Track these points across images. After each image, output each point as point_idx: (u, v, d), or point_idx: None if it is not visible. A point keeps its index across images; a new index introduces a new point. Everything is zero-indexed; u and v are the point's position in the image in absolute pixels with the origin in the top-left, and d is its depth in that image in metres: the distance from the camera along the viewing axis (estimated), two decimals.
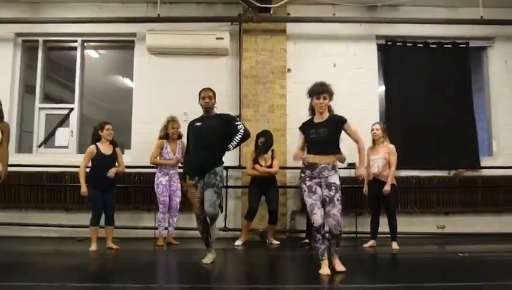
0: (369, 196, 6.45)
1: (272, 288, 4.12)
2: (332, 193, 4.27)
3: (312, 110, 4.53)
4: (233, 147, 4.91)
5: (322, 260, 4.33)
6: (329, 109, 4.59)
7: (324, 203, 4.31)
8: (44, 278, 4.15)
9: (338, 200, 4.28)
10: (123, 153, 7.64)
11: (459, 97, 7.97)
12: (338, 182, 4.33)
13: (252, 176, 6.71)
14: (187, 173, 5.03)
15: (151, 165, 6.69)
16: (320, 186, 4.33)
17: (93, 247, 5.93)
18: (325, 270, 4.28)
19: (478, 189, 7.60)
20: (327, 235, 4.37)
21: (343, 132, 4.49)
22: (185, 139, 5.82)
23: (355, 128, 4.53)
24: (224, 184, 7.11)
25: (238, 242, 6.54)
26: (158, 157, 6.54)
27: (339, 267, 4.38)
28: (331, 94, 4.41)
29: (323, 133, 4.35)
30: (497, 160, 7.90)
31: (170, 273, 4.89)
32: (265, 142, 6.60)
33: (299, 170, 4.56)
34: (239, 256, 6.12)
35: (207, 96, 4.99)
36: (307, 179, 4.38)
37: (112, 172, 6.02)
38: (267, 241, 6.72)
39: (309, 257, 5.02)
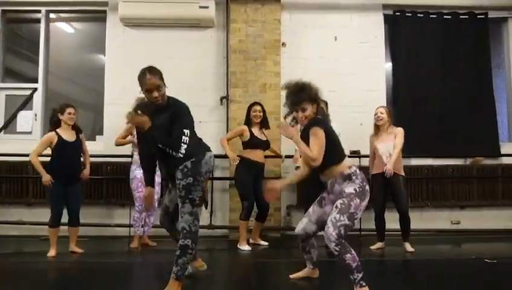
0: (375, 192, 5.42)
1: None
2: (338, 202, 3.29)
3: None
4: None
5: (307, 265, 3.86)
6: (319, 110, 3.58)
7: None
8: None
9: (337, 207, 3.25)
10: (94, 139, 6.88)
11: (476, 75, 7.16)
12: (349, 190, 3.28)
13: (243, 162, 5.67)
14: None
15: (126, 154, 5.89)
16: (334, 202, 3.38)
17: (52, 252, 5.04)
18: (296, 274, 3.88)
19: (498, 179, 6.87)
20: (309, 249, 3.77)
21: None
22: None
23: (317, 140, 3.32)
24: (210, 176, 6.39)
25: (245, 247, 5.54)
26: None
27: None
28: (313, 99, 3.47)
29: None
30: None
31: (144, 283, 4.02)
32: (264, 114, 5.82)
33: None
34: (224, 256, 5.42)
35: (153, 87, 3.31)
36: (326, 192, 3.54)
37: (86, 175, 5.41)
38: (251, 241, 5.83)
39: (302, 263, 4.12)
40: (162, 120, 3.34)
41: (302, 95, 3.45)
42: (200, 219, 6.03)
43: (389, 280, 4.26)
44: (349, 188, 3.29)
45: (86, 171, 5.41)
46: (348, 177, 3.32)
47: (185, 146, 3.24)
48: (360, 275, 3.16)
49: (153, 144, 3.31)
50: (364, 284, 3.16)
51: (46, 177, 5.08)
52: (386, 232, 5.61)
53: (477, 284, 3.92)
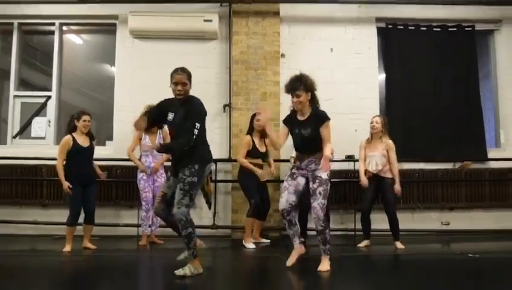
0: (364, 194, 5.92)
1: None
2: (315, 185, 4.11)
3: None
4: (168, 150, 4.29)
5: (294, 244, 4.37)
6: (312, 102, 4.21)
7: (310, 196, 4.15)
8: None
9: (320, 193, 4.07)
10: (104, 144, 7.26)
11: (465, 84, 7.51)
12: (324, 176, 4.12)
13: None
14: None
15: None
16: (307, 179, 4.21)
17: (68, 248, 5.42)
18: (291, 259, 4.33)
19: (485, 182, 7.18)
20: (294, 221, 4.31)
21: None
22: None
23: (329, 131, 4.16)
24: (213, 178, 6.76)
25: (250, 245, 5.86)
26: (138, 150, 6.09)
27: (323, 266, 4.12)
28: (308, 88, 4.13)
29: (307, 134, 4.16)
30: (505, 151, 7.45)
31: (151, 279, 4.37)
32: None
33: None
34: (226, 256, 5.69)
35: (179, 81, 3.95)
36: (294, 168, 4.29)
37: (104, 175, 5.86)
38: (253, 240, 6.13)
39: (303, 261, 4.50)
40: (179, 116, 3.96)
41: (297, 83, 4.12)
42: (204, 220, 6.50)
43: (381, 272, 4.67)
44: (324, 174, 4.09)
45: (104, 174, 5.86)
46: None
47: (193, 137, 3.86)
48: (329, 246, 4.15)
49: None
50: (329, 253, 4.15)
51: (65, 185, 5.45)
52: (377, 232, 6.01)
53: (459, 274, 4.32)
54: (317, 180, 4.10)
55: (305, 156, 4.18)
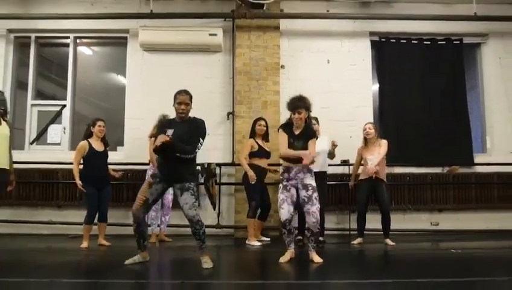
0: (360, 194, 6.38)
1: (264, 284, 4.09)
2: (309, 192, 4.61)
3: (291, 121, 4.83)
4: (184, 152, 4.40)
5: (288, 249, 4.77)
6: (307, 121, 4.82)
7: (303, 203, 4.64)
8: (35, 275, 4.12)
9: (316, 199, 4.59)
10: (115, 150, 7.72)
11: (453, 94, 7.98)
12: (314, 184, 4.67)
13: (252, 168, 6.32)
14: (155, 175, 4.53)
15: (143, 162, 6.75)
16: (297, 188, 4.70)
17: (85, 244, 5.88)
18: (285, 257, 4.69)
19: (472, 186, 7.61)
20: (295, 230, 4.89)
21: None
22: None
23: (314, 145, 4.78)
24: (218, 181, 7.23)
25: (255, 242, 6.25)
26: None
27: (317, 259, 4.64)
28: (307, 108, 4.74)
29: (300, 146, 4.69)
30: (491, 157, 7.90)
31: (161, 269, 4.82)
32: (267, 128, 6.56)
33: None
34: (230, 253, 6.12)
35: (183, 102, 4.41)
36: (285, 180, 4.74)
37: (119, 174, 6.41)
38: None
39: (301, 254, 5.00)
40: (182, 131, 4.36)
41: (300, 102, 4.71)
42: (209, 220, 6.95)
43: (370, 262, 5.18)
44: (312, 182, 4.67)
45: (120, 173, 6.41)
46: (310, 171, 4.71)
47: (197, 150, 4.39)
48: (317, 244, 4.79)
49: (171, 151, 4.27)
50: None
51: (79, 184, 5.94)
52: (370, 232, 6.47)
53: (440, 264, 4.79)
54: (309, 188, 4.61)
55: (294, 166, 4.67)
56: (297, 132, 4.76)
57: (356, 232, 6.45)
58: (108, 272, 4.52)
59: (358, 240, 6.31)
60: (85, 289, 3.78)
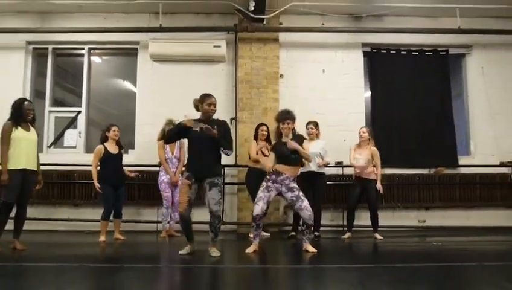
0: (351, 192, 6.99)
1: (264, 267, 4.70)
2: (296, 192, 5.23)
3: (279, 133, 5.49)
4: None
5: (254, 241, 5.34)
6: (293, 130, 5.47)
7: (293, 203, 5.25)
8: (66, 260, 4.70)
9: (303, 195, 5.23)
10: (127, 153, 8.27)
11: (439, 101, 8.53)
12: (297, 186, 5.30)
13: (252, 168, 6.93)
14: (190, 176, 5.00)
15: (153, 164, 7.37)
16: (280, 192, 5.29)
17: (102, 238, 6.44)
18: (250, 249, 5.25)
19: (456, 186, 8.15)
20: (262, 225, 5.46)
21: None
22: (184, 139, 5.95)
23: (307, 148, 5.48)
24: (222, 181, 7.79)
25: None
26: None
27: (311, 249, 5.22)
28: (293, 119, 5.40)
29: (288, 151, 5.27)
30: (474, 159, 8.46)
31: (174, 257, 5.35)
32: (268, 133, 6.99)
33: None
34: (234, 244, 6.73)
35: (213, 103, 5.03)
36: (270, 181, 5.32)
37: (135, 174, 6.93)
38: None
39: (294, 245, 5.67)
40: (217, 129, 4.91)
41: (288, 115, 5.41)
42: None
43: (357, 253, 5.81)
44: (296, 185, 5.31)
45: (134, 174, 6.95)
46: (294, 180, 5.35)
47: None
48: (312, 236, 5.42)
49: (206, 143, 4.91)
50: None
51: (96, 185, 6.55)
52: (359, 228, 7.09)
53: (421, 254, 5.40)
54: (294, 189, 5.23)
55: (282, 171, 5.26)
56: (285, 140, 5.36)
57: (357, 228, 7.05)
58: (128, 259, 5.13)
59: (348, 234, 6.88)
60: (112, 271, 4.36)
